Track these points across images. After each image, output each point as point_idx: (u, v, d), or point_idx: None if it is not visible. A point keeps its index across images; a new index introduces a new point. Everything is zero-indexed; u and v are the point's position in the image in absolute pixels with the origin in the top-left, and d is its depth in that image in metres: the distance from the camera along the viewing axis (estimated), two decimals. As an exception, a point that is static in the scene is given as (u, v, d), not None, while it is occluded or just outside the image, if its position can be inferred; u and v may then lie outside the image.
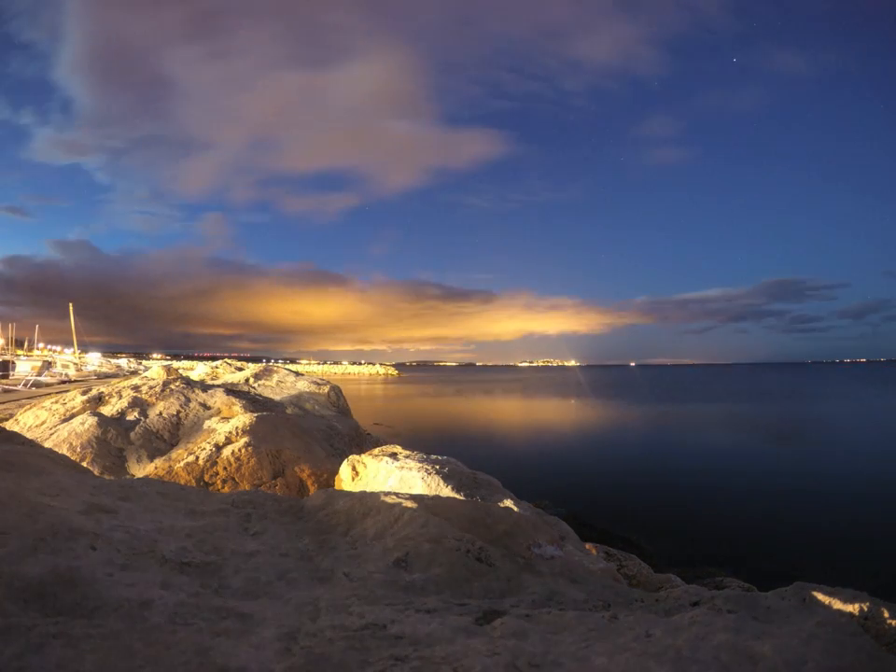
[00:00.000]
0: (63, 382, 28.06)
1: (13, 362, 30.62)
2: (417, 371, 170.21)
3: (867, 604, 2.35)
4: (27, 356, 45.46)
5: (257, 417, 8.74)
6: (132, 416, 9.43)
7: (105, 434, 8.44)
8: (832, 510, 12.03)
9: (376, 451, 5.98)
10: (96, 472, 6.64)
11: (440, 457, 5.50)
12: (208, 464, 7.39)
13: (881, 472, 15.97)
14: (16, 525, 2.29)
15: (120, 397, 10.15)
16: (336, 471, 6.19)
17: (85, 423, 8.54)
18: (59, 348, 61.27)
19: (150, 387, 10.63)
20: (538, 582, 3.15)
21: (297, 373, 16.52)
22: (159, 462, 7.92)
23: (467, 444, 20.61)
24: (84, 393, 10.58)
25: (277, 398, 13.00)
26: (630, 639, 2.07)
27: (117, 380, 17.32)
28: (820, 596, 2.45)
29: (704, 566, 7.99)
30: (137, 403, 9.91)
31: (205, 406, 10.28)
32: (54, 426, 9.01)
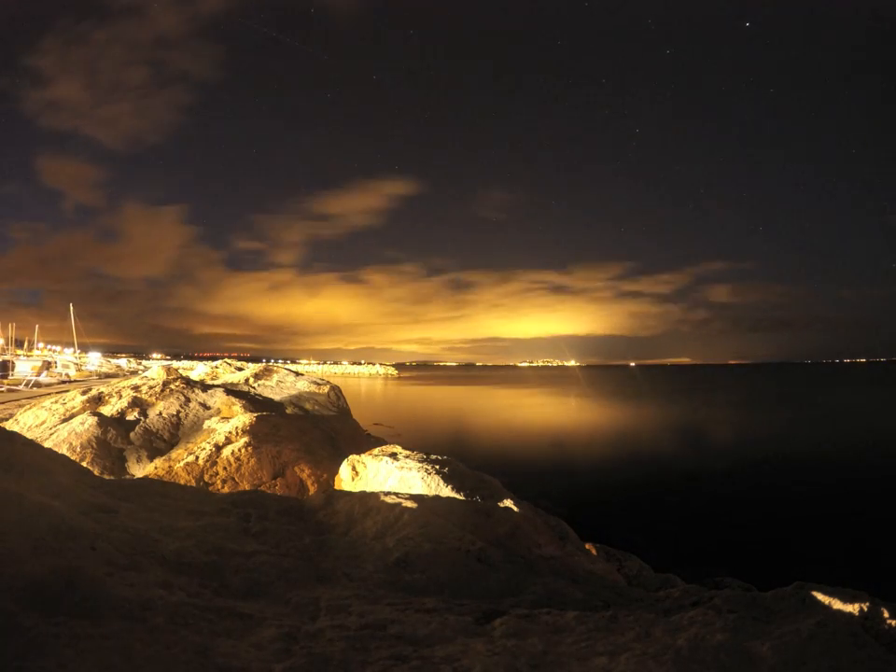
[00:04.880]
0: (63, 382, 28.03)
1: (13, 362, 30.60)
2: (417, 371, 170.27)
3: (867, 604, 2.35)
4: (27, 356, 45.45)
5: (257, 417, 8.74)
6: (131, 416, 9.43)
7: (104, 434, 8.44)
8: (831, 510, 12.03)
9: (376, 451, 5.98)
10: (96, 472, 6.64)
11: (440, 457, 5.50)
12: (208, 464, 7.39)
13: (881, 472, 15.98)
14: (16, 525, 2.29)
15: (120, 397, 10.15)
16: (336, 471, 6.19)
17: (85, 423, 8.54)
18: (59, 348, 61.19)
19: (150, 387, 10.64)
20: (538, 582, 3.15)
21: (297, 373, 16.52)
22: (159, 462, 7.92)
23: (467, 444, 20.61)
24: (84, 393, 10.59)
25: (277, 398, 13.00)
26: (630, 639, 2.07)
27: (117, 380, 17.33)
28: (820, 596, 2.45)
29: (704, 566, 7.98)
30: (137, 403, 9.92)
31: (205, 406, 10.29)
32: (54, 426, 9.01)
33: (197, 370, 21.13)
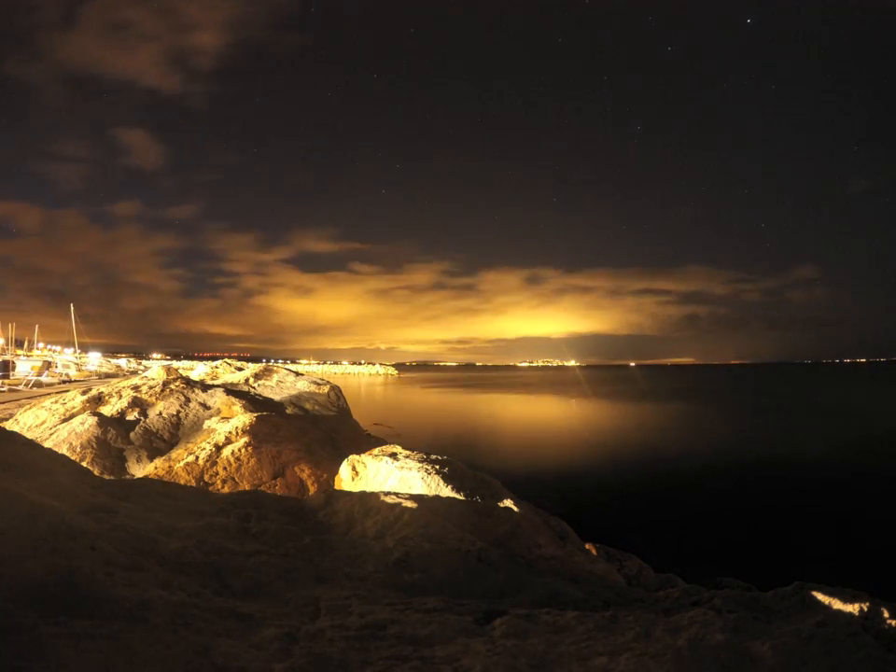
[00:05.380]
0: (64, 382, 28.05)
1: (13, 362, 30.59)
2: (417, 372, 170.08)
3: (867, 604, 2.35)
4: (27, 356, 45.38)
5: (257, 417, 8.74)
6: (131, 416, 9.42)
7: (104, 434, 8.44)
8: (831, 509, 12.03)
9: (376, 451, 5.98)
10: (96, 472, 6.64)
11: (440, 457, 5.49)
12: (208, 464, 7.39)
13: (881, 472, 15.97)
14: (16, 525, 2.29)
15: (120, 397, 10.15)
16: (336, 471, 6.19)
17: (85, 423, 8.54)
18: (59, 348, 61.11)
19: (150, 387, 10.63)
20: (538, 582, 3.15)
21: (297, 373, 16.51)
22: (159, 462, 7.92)
23: (467, 444, 20.59)
24: (84, 393, 10.58)
25: (277, 398, 12.99)
26: (630, 639, 2.07)
27: (117, 380, 17.33)
28: (820, 596, 2.45)
29: (704, 566, 7.98)
30: (137, 403, 9.91)
31: (205, 406, 10.28)
32: (54, 426, 9.01)
33: (197, 370, 21.12)
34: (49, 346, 64.77)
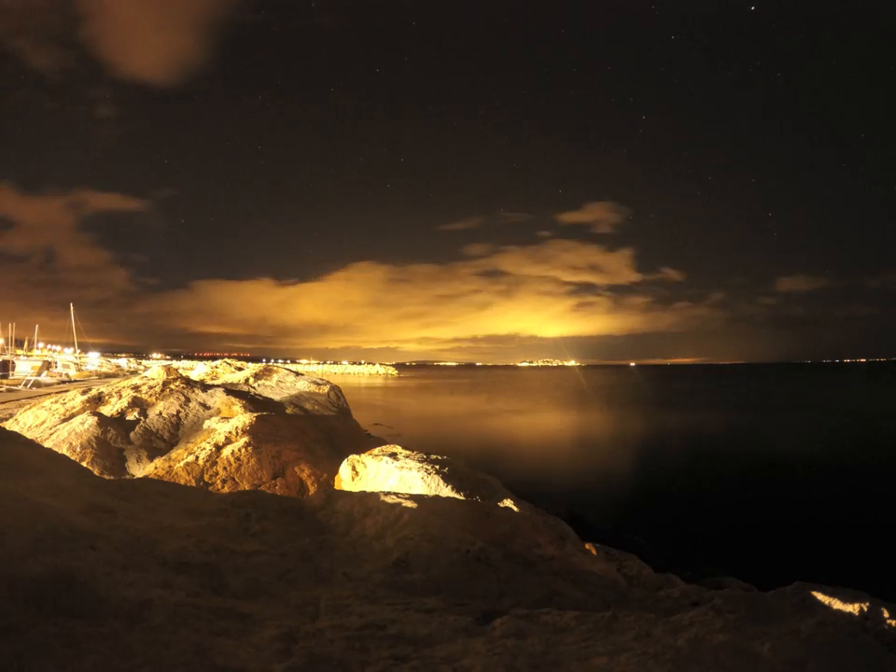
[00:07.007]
0: (63, 382, 28.07)
1: (13, 362, 30.62)
2: (417, 371, 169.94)
3: (867, 604, 2.35)
4: (27, 356, 45.41)
5: (257, 417, 8.74)
6: (131, 416, 9.43)
7: (104, 434, 8.44)
8: (831, 510, 12.04)
9: (376, 451, 5.98)
10: (96, 472, 6.63)
11: (440, 457, 5.50)
12: (208, 464, 7.39)
13: (881, 472, 15.99)
14: (16, 525, 2.29)
15: (120, 397, 10.15)
16: (336, 471, 6.19)
17: (85, 423, 8.54)
18: (59, 348, 61.13)
19: (150, 387, 10.63)
20: (538, 582, 3.15)
21: (297, 373, 16.52)
22: (159, 462, 7.92)
23: (467, 444, 20.60)
24: (84, 393, 10.58)
25: (277, 398, 13.00)
26: (630, 639, 2.07)
27: (117, 380, 17.34)
28: (820, 596, 2.45)
29: (704, 566, 7.98)
30: (137, 403, 9.91)
31: (205, 406, 10.28)
32: (54, 426, 9.01)
33: (197, 370, 21.15)
34: (48, 346, 64.75)
